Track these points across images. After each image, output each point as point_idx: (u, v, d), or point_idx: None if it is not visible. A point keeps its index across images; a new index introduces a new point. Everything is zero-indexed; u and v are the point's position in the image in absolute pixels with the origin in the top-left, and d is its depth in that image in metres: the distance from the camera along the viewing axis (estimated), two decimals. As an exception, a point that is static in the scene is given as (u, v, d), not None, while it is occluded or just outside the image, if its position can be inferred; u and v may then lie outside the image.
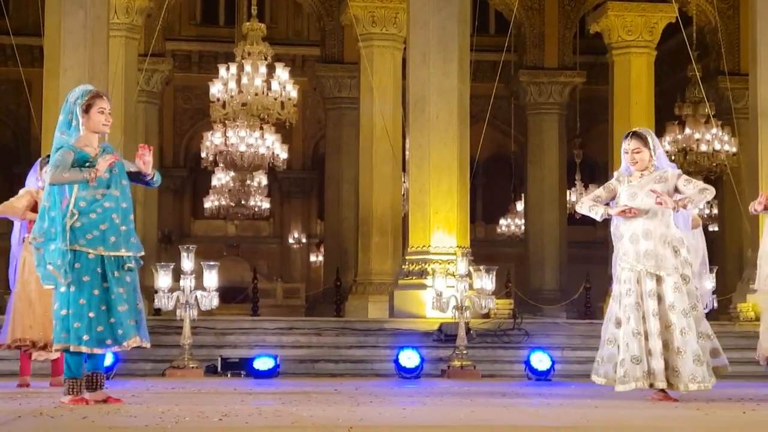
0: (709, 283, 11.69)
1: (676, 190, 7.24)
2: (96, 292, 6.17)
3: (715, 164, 20.60)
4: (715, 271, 11.89)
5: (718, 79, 21.32)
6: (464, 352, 11.66)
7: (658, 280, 7.11)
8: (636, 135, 7.35)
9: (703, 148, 20.66)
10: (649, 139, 7.31)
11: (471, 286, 11.95)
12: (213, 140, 20.50)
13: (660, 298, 7.09)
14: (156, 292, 11.10)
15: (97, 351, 6.16)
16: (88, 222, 6.22)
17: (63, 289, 6.20)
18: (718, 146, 20.54)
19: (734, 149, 20.49)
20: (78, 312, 6.14)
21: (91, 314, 6.13)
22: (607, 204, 7.39)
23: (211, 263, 11.27)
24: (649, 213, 7.16)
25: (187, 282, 10.98)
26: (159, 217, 21.45)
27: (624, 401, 6.83)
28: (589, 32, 20.00)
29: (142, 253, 6.43)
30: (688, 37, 17.48)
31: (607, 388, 7.20)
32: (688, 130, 20.83)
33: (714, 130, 20.43)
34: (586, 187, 23.15)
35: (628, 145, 7.31)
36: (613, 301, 7.32)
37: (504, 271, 13.19)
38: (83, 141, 6.46)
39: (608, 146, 18.60)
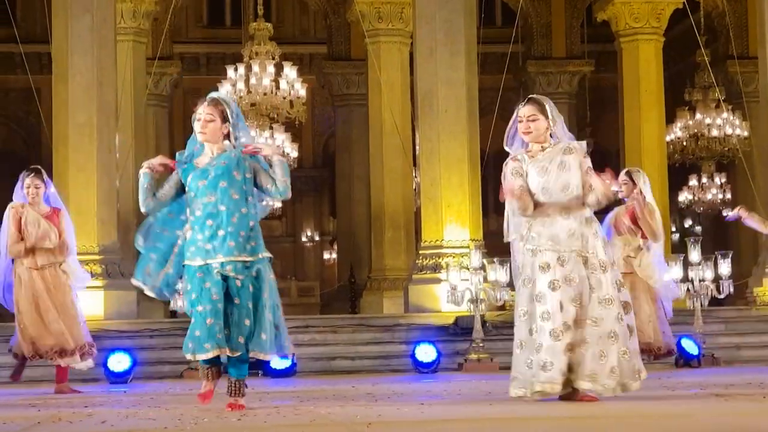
0: (726, 268, 11.70)
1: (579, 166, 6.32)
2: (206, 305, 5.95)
3: (726, 149, 20.54)
4: (730, 256, 11.86)
5: (727, 64, 21.23)
6: (481, 344, 11.65)
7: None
8: (532, 100, 6.40)
9: (715, 133, 20.60)
10: (547, 106, 6.35)
11: (485, 279, 11.94)
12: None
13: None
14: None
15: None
16: (191, 236, 6.05)
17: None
18: (729, 131, 20.48)
19: (745, 133, 20.41)
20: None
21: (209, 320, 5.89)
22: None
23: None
24: (566, 189, 6.26)
25: (201, 284, 10.96)
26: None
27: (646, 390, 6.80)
28: (596, 20, 19.90)
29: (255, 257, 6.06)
30: (696, 22, 17.41)
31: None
32: (698, 116, 20.77)
33: (725, 115, 20.36)
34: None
35: (522, 111, 6.34)
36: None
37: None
38: (203, 155, 6.23)
39: (619, 135, 18.53)
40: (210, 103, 6.14)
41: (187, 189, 6.13)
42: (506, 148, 6.46)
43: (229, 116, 6.16)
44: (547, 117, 6.29)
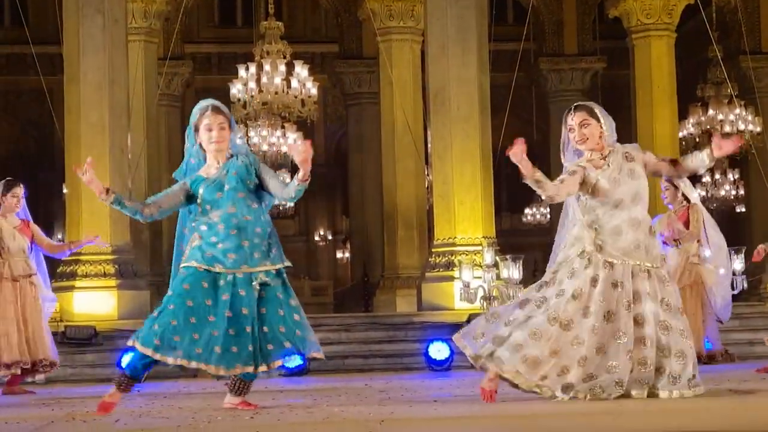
0: (739, 263, 11.65)
1: (645, 167, 6.04)
2: (189, 303, 5.79)
3: (739, 145, 20.46)
4: (743, 251, 11.82)
5: (739, 59, 21.17)
6: (494, 342, 11.62)
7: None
8: (580, 107, 6.08)
9: (727, 128, 20.53)
10: (596, 110, 6.06)
11: (498, 276, 11.94)
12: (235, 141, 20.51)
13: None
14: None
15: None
16: (207, 243, 5.88)
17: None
18: (742, 126, 20.42)
19: (758, 129, 20.36)
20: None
21: (174, 322, 5.73)
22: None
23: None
24: (636, 198, 6.00)
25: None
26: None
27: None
28: (608, 17, 19.87)
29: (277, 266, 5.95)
30: (708, 18, 17.35)
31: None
32: (711, 112, 20.71)
33: (737, 111, 20.31)
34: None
35: (572, 119, 6.01)
36: None
37: (531, 259, 13.16)
38: (207, 166, 6.06)
39: (631, 131, 18.49)
40: (217, 111, 5.98)
41: (199, 201, 5.97)
42: (562, 160, 6.18)
43: (232, 124, 6.09)
44: (598, 120, 6.01)
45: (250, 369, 5.72)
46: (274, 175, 6.04)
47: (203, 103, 6.06)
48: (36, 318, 9.02)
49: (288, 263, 6.01)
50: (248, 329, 5.73)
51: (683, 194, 9.88)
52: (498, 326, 5.97)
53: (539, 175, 5.91)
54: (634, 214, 5.95)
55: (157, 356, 5.66)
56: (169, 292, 5.86)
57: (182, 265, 5.90)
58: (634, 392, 5.76)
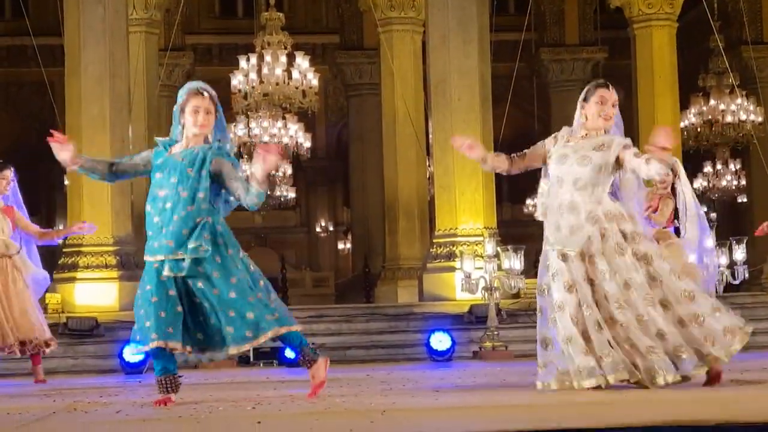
0: (740, 254, 11.65)
1: (617, 163, 5.91)
2: (154, 299, 5.67)
3: (741, 134, 20.46)
4: (745, 242, 11.83)
5: (741, 49, 21.15)
6: (495, 332, 11.65)
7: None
8: (614, 86, 6.02)
9: (729, 119, 20.53)
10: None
11: (499, 267, 11.93)
12: (236, 132, 20.52)
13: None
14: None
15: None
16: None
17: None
18: (743, 116, 20.41)
19: (760, 119, 20.35)
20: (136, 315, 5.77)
21: (141, 311, 5.70)
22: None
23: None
24: (578, 183, 5.92)
25: (216, 274, 10.98)
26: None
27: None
28: (609, 7, 19.84)
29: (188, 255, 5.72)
30: (710, 8, 17.33)
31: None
32: (712, 102, 20.70)
33: (739, 101, 20.30)
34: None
35: (607, 94, 5.95)
36: None
37: (532, 250, 13.14)
38: (178, 144, 5.86)
39: (634, 121, 18.47)
40: (205, 95, 5.80)
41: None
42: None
43: (218, 109, 5.88)
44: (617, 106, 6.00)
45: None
46: (238, 177, 5.75)
47: (192, 85, 5.90)
48: (21, 299, 8.94)
49: (207, 249, 5.69)
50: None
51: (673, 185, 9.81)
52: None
53: (489, 159, 6.21)
54: (574, 198, 5.89)
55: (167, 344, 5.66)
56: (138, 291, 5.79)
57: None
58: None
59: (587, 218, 5.87)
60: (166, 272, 5.67)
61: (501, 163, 6.21)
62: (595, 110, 5.95)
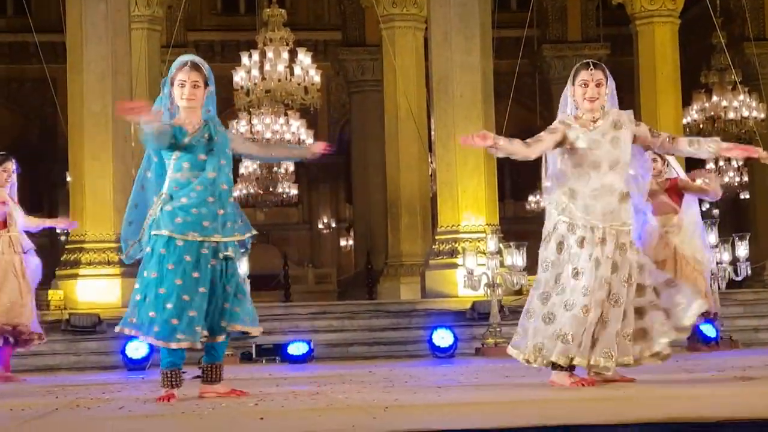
0: (743, 250, 11.63)
1: (635, 140, 6.02)
2: (179, 281, 5.63)
3: (743, 131, 20.45)
4: (747, 238, 11.81)
5: (743, 45, 21.12)
6: (498, 329, 11.64)
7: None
8: (598, 65, 6.04)
9: (731, 115, 20.52)
10: (607, 72, 6.07)
11: (502, 264, 11.93)
12: (238, 128, 20.53)
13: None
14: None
15: (170, 345, 5.62)
16: (179, 206, 5.68)
17: (146, 273, 5.78)
18: (746, 113, 20.40)
19: (762, 115, 20.33)
20: (154, 302, 5.67)
21: (169, 305, 5.61)
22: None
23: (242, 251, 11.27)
24: (615, 166, 5.98)
25: (218, 270, 10.98)
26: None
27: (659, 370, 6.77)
28: (611, 3, 19.83)
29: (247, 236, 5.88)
30: (712, 4, 17.31)
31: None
32: (715, 98, 20.69)
33: (741, 97, 20.28)
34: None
35: (590, 75, 5.97)
36: None
37: (535, 247, 13.09)
38: (180, 120, 5.79)
39: (636, 118, 18.47)
40: (193, 68, 5.76)
41: (174, 155, 5.72)
42: (559, 115, 6.13)
43: (210, 82, 5.84)
44: (607, 84, 6.01)
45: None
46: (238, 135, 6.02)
47: (182, 58, 5.87)
48: (11, 285, 8.87)
49: (254, 231, 5.92)
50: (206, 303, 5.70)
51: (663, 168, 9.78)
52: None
53: (502, 143, 6.00)
54: (608, 180, 5.90)
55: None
56: (152, 273, 5.71)
57: (153, 232, 5.74)
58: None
59: (620, 199, 5.92)
60: (227, 252, 5.72)
61: (517, 148, 6.02)
62: (580, 93, 6.01)
